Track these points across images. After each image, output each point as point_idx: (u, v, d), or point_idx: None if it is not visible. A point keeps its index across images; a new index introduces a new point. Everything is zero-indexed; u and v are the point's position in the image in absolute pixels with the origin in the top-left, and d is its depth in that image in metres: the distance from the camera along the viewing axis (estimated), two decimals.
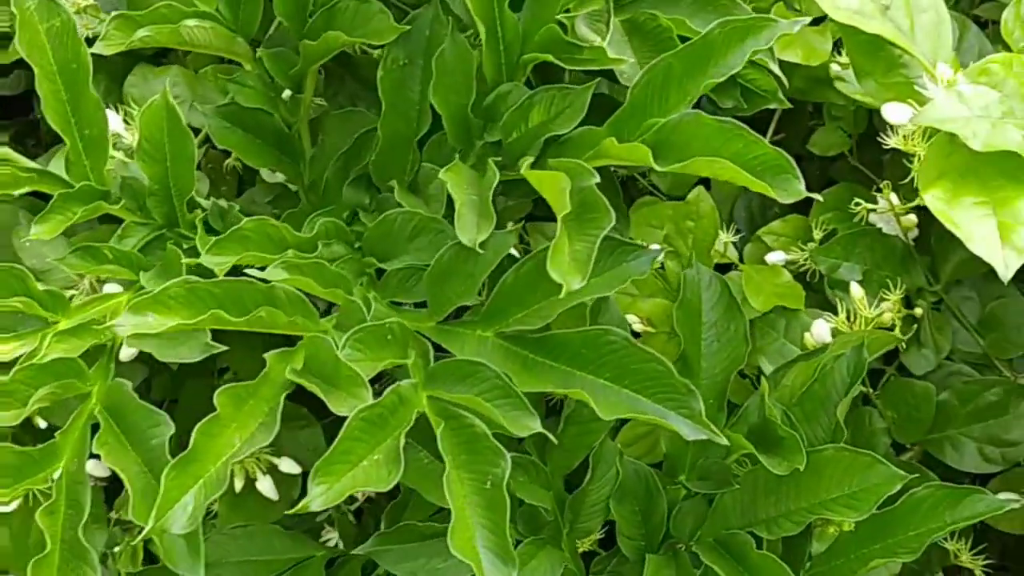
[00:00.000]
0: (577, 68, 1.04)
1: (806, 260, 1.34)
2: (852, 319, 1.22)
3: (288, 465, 1.24)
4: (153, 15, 1.11)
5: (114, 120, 1.22)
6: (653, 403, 0.96)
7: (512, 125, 1.07)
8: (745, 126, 0.94)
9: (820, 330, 1.21)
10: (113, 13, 1.10)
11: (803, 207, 1.38)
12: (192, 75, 1.34)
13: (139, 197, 1.16)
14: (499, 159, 1.06)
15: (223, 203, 1.19)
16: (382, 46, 1.14)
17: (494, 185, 1.01)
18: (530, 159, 1.01)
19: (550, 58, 1.05)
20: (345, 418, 0.93)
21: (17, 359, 1.05)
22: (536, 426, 0.95)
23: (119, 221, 1.15)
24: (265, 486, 1.24)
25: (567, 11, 1.07)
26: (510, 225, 1.15)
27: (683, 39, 1.05)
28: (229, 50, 1.17)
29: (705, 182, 1.34)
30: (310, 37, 1.16)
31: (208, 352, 1.01)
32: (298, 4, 1.17)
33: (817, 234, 1.32)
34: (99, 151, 1.12)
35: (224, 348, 1.02)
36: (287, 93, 1.21)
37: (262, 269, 1.01)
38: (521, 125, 1.06)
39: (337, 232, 1.13)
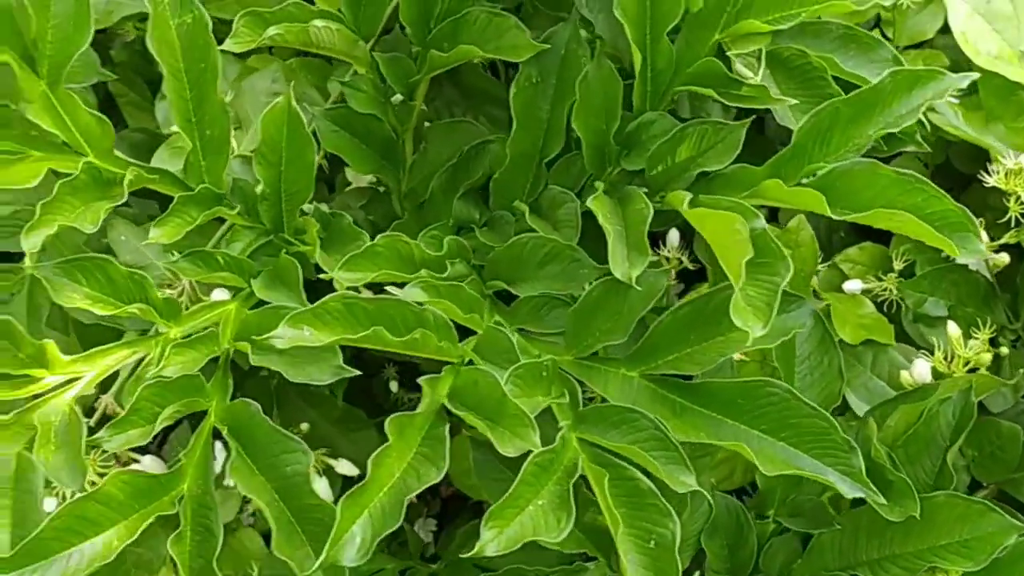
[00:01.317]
0: (735, 104, 1.02)
1: (884, 291, 1.33)
2: (949, 359, 1.22)
3: (345, 467, 1.20)
4: (282, 14, 1.07)
5: None
6: (812, 459, 0.94)
7: (658, 156, 1.05)
8: (926, 179, 0.93)
9: (921, 370, 1.20)
10: (243, 11, 1.05)
11: (878, 235, 1.37)
12: (291, 70, 1.29)
13: (249, 200, 1.11)
14: (642, 189, 1.04)
15: (324, 208, 1.16)
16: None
17: (648, 219, 0.99)
18: (684, 194, 0.98)
19: (707, 91, 1.03)
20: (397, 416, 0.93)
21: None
22: (693, 483, 0.93)
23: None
24: (321, 487, 1.21)
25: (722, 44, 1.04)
26: None
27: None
28: (349, 53, 1.13)
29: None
30: (434, 46, 1.12)
31: (339, 375, 0.98)
32: (423, 11, 1.13)
33: (897, 264, 1.32)
34: (219, 153, 1.07)
35: (356, 372, 0.98)
36: (397, 98, 1.18)
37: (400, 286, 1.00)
38: (668, 157, 1.04)
39: (459, 250, 1.10)
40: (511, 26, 1.09)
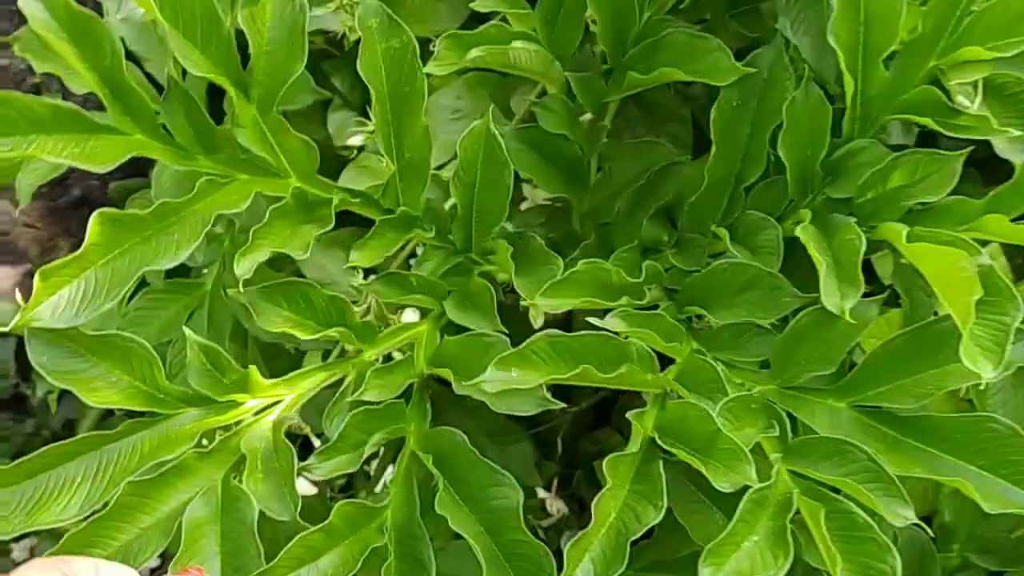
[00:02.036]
0: (954, 135, 0.99)
1: None
2: None
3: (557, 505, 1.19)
4: (483, 35, 1.07)
5: None
6: None
7: (868, 184, 1.02)
8: None
9: None
10: (444, 33, 1.05)
11: None
12: (471, 86, 1.28)
13: (441, 221, 1.11)
14: (849, 218, 1.01)
15: (509, 227, 1.15)
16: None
17: (861, 251, 0.96)
18: (900, 227, 0.96)
19: (924, 120, 1.00)
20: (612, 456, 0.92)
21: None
22: (912, 516, 0.91)
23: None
24: None
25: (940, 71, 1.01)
26: None
27: None
28: (544, 73, 1.12)
29: None
30: (629, 66, 1.11)
31: (544, 407, 0.97)
32: (621, 32, 1.12)
33: None
34: (418, 177, 1.06)
35: (562, 405, 0.97)
36: (585, 118, 1.16)
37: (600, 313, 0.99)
38: (879, 185, 1.02)
39: (655, 275, 1.09)
40: (713, 48, 1.07)
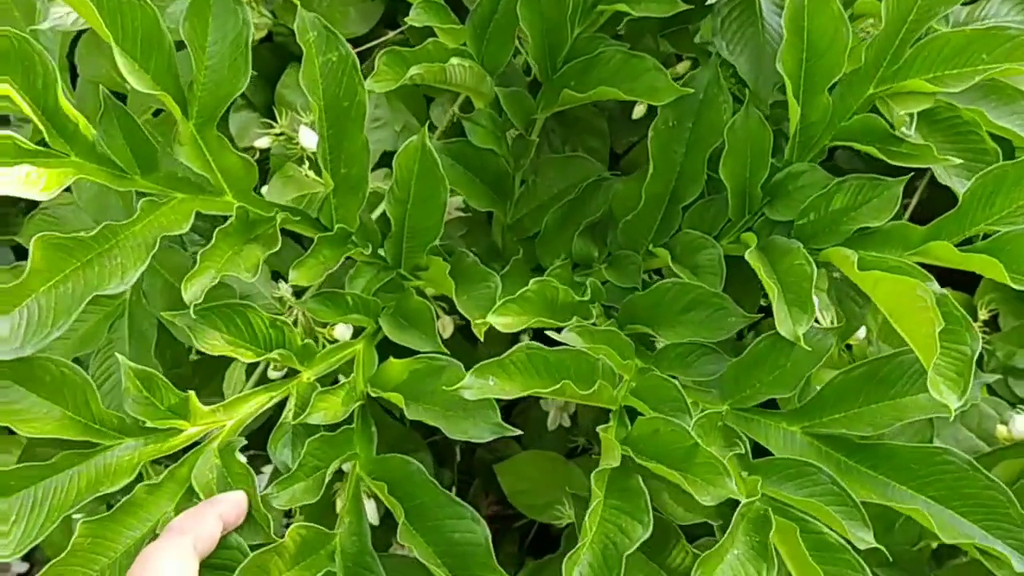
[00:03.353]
0: (896, 163, 1.01)
1: None
2: None
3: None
4: (422, 53, 1.04)
5: (308, 136, 1.12)
6: (982, 530, 0.94)
7: (810, 207, 1.04)
8: None
9: (1020, 427, 1.19)
10: (384, 49, 1.02)
11: (962, 284, 1.37)
12: (390, 95, 1.25)
13: (372, 237, 1.07)
14: (793, 241, 1.03)
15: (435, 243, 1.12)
16: None
17: (813, 277, 0.98)
18: (848, 253, 0.97)
19: (867, 148, 1.02)
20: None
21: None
22: (871, 540, 0.92)
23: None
24: (369, 510, 1.17)
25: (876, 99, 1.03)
26: None
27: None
28: (476, 88, 1.10)
29: None
30: (562, 83, 1.10)
31: (498, 433, 0.95)
32: (553, 48, 1.11)
33: (983, 314, 1.33)
34: (354, 193, 1.03)
35: (517, 432, 0.95)
36: (513, 132, 1.15)
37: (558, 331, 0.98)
38: (821, 208, 1.03)
39: (597, 293, 1.08)
40: (649, 68, 1.07)
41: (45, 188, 0.88)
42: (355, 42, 1.30)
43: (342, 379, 1.02)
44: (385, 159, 1.25)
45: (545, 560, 1.22)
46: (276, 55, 1.32)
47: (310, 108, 1.00)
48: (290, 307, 1.10)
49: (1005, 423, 1.21)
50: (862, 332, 1.16)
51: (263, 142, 1.20)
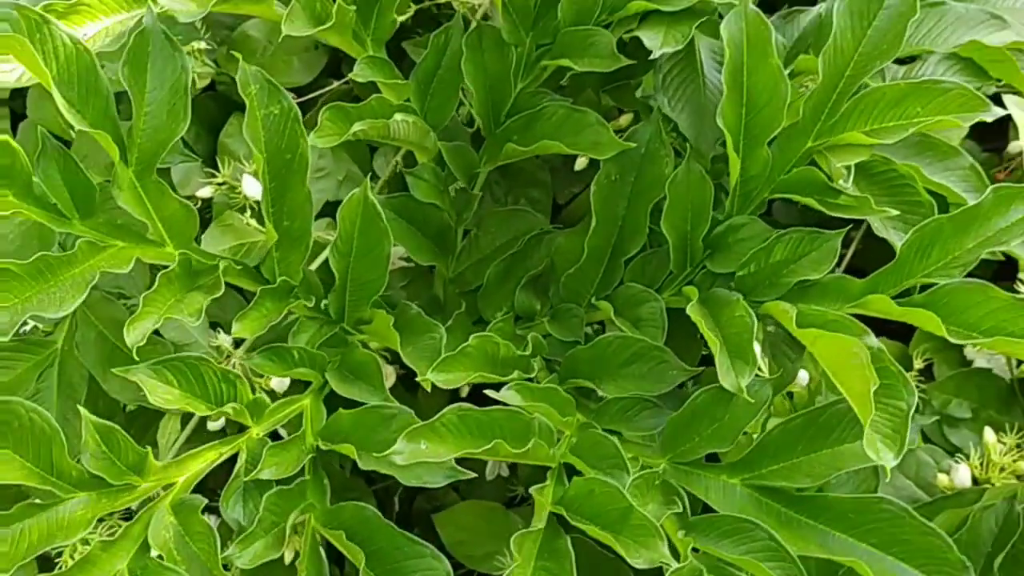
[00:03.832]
0: (835, 214, 1.02)
1: None
2: (983, 464, 1.23)
3: None
4: (365, 109, 1.05)
5: (252, 185, 1.13)
6: (923, 575, 0.94)
7: (750, 260, 1.04)
8: None
9: (962, 476, 1.20)
10: (328, 105, 1.02)
11: (896, 333, 1.38)
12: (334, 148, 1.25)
13: (315, 291, 1.07)
14: (733, 293, 1.03)
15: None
16: None
17: (753, 329, 0.98)
18: (787, 307, 0.98)
19: (806, 200, 1.03)
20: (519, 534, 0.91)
21: None
22: None
23: None
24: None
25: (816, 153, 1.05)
26: None
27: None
28: (419, 143, 1.10)
29: None
30: (505, 137, 1.11)
31: (454, 478, 0.95)
32: (496, 103, 1.12)
33: (918, 363, 1.33)
34: (297, 246, 1.03)
35: (472, 475, 0.95)
36: (455, 186, 1.15)
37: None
38: (761, 260, 1.04)
39: (538, 347, 1.09)
40: (592, 122, 1.08)
41: None
42: (299, 91, 1.30)
43: (282, 432, 1.01)
44: (328, 208, 1.25)
45: None
46: (219, 104, 1.32)
47: (253, 159, 1.00)
48: (227, 356, 1.09)
49: (945, 472, 1.22)
50: (804, 378, 1.17)
51: (206, 191, 1.20)
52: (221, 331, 1.13)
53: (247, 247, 1.10)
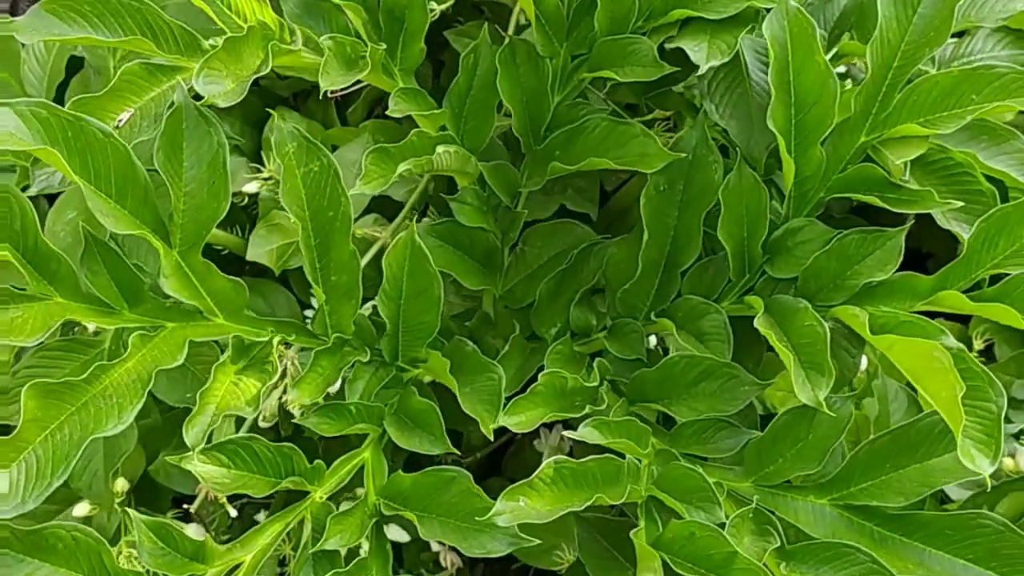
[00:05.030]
0: (897, 209, 0.99)
1: None
2: None
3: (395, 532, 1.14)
4: (407, 148, 1.01)
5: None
6: None
7: (812, 264, 1.02)
8: None
9: None
10: (369, 148, 0.98)
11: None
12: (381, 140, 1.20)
13: (370, 339, 1.05)
14: (799, 300, 1.01)
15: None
16: None
17: (827, 339, 0.96)
18: (858, 312, 0.96)
19: (868, 198, 1.00)
20: None
21: None
22: None
23: None
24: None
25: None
26: None
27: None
28: (461, 169, 1.07)
29: None
30: (547, 154, 1.07)
31: (517, 545, 0.93)
32: (535, 119, 1.08)
33: (978, 344, 1.31)
34: (347, 300, 1.00)
35: (536, 542, 0.93)
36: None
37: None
38: (823, 263, 1.01)
39: (603, 371, 1.06)
40: (636, 134, 1.04)
41: (30, 334, 0.86)
42: None
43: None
44: (373, 203, 1.21)
45: None
46: (262, 99, 1.28)
47: (295, 217, 0.97)
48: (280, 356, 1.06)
49: (1010, 455, 1.20)
50: (863, 363, 1.15)
51: (251, 187, 1.18)
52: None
53: (293, 247, 1.09)
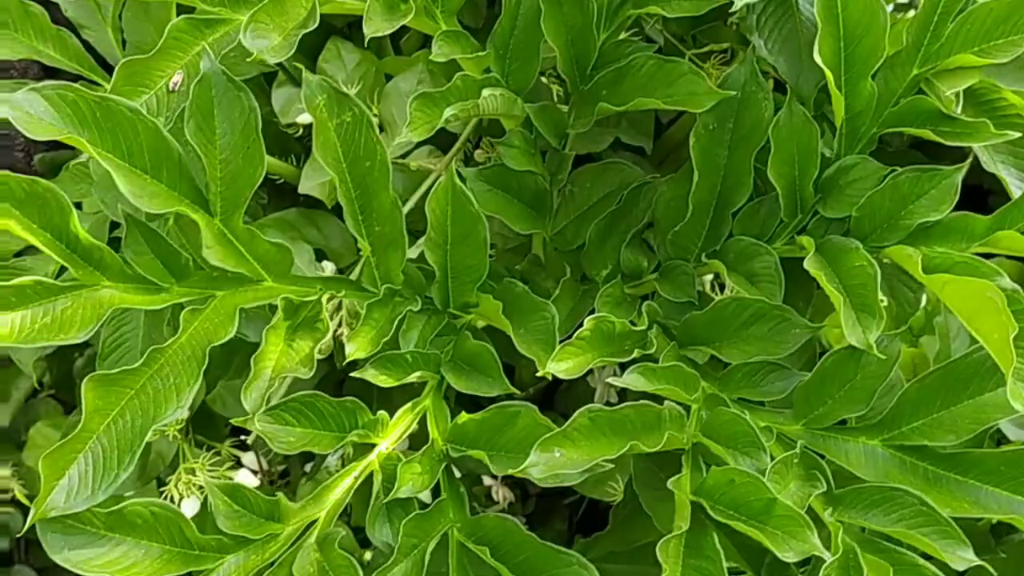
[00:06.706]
0: (951, 143, 0.96)
1: None
2: None
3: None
4: (452, 92, 0.99)
5: None
6: None
7: (865, 203, 0.99)
8: None
9: None
10: (414, 93, 0.97)
11: None
12: (433, 71, 1.19)
13: (419, 288, 1.04)
14: (851, 240, 0.99)
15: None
16: None
17: (878, 280, 0.94)
18: (911, 252, 0.94)
19: (921, 132, 0.97)
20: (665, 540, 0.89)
21: None
22: (973, 557, 0.90)
23: None
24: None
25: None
26: None
27: None
28: (507, 112, 1.05)
29: None
30: (594, 94, 1.05)
31: (589, 474, 0.91)
32: (581, 59, 1.06)
33: None
34: (393, 249, 1.00)
35: (610, 466, 0.91)
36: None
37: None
38: (876, 203, 0.99)
39: (653, 315, 1.05)
40: (684, 72, 1.02)
41: (80, 327, 0.86)
42: None
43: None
44: None
45: (593, 538, 1.23)
46: (317, 29, 1.26)
47: (332, 170, 0.96)
48: (331, 296, 1.06)
49: None
50: (922, 300, 1.13)
51: (305, 118, 1.18)
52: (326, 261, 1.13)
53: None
